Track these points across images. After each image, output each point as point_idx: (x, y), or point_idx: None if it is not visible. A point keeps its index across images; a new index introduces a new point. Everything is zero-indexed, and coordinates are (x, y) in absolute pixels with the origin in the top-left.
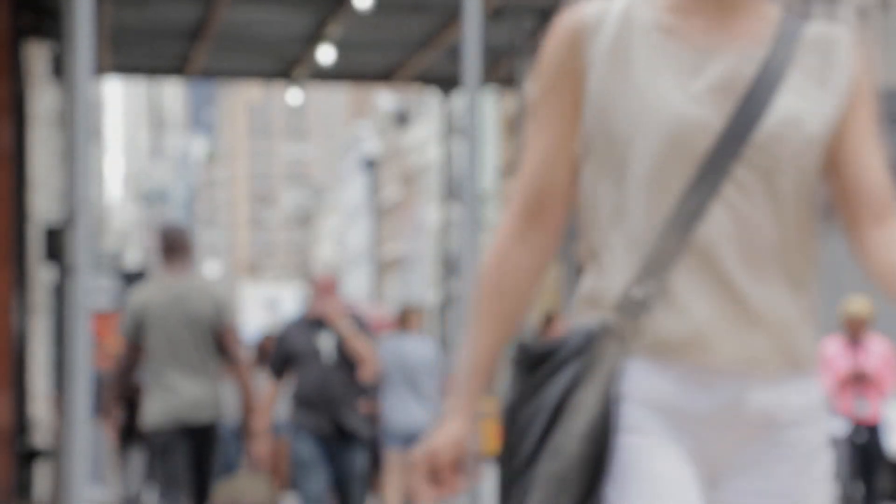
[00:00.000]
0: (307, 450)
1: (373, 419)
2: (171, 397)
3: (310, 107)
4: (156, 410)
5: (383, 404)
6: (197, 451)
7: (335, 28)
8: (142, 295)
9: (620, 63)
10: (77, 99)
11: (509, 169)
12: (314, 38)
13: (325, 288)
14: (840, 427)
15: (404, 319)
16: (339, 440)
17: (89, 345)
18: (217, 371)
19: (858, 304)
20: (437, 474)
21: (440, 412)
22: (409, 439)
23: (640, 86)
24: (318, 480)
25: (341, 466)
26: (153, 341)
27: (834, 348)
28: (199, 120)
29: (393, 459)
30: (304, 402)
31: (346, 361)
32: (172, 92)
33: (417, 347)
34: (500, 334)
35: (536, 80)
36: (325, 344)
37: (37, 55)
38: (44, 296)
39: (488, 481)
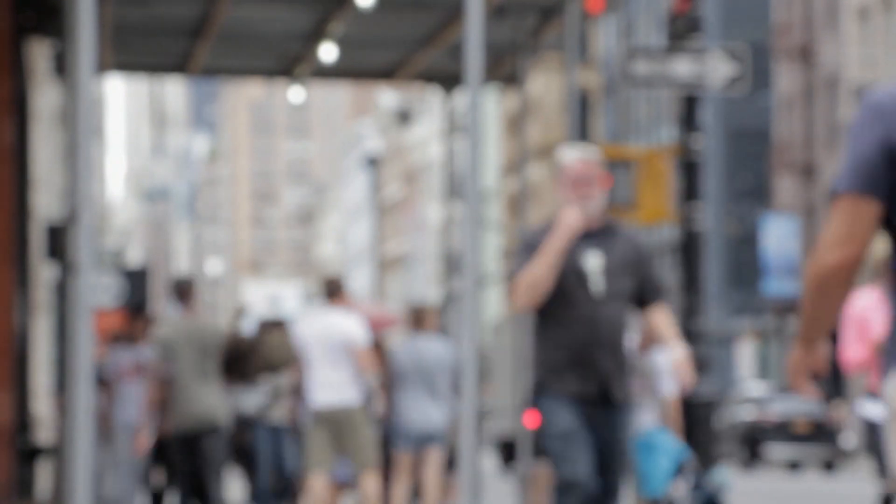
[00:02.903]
0: (566, 415)
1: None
2: (182, 408)
3: (311, 105)
4: (172, 418)
5: (397, 404)
6: (200, 452)
7: (337, 26)
8: (166, 331)
9: None
10: (79, 97)
11: (511, 167)
12: (316, 36)
13: (585, 178)
14: (881, 410)
15: (418, 319)
16: (604, 402)
17: (91, 343)
18: (219, 387)
19: None
20: None
21: (455, 412)
22: (424, 440)
23: None
24: (586, 454)
25: (605, 435)
26: (173, 365)
27: (866, 302)
28: (200, 118)
29: (403, 460)
30: (561, 350)
31: (619, 293)
32: (174, 90)
33: (433, 347)
34: None
35: None
36: (594, 266)
37: (38, 53)
38: (45, 293)
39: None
